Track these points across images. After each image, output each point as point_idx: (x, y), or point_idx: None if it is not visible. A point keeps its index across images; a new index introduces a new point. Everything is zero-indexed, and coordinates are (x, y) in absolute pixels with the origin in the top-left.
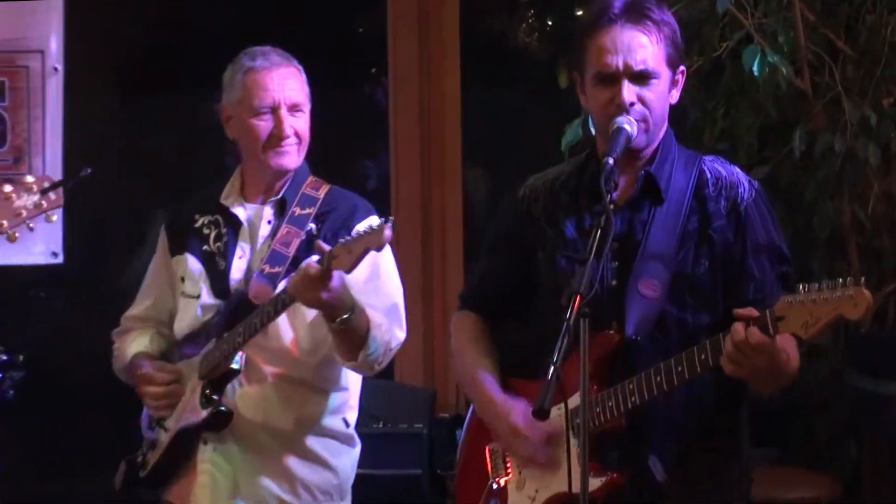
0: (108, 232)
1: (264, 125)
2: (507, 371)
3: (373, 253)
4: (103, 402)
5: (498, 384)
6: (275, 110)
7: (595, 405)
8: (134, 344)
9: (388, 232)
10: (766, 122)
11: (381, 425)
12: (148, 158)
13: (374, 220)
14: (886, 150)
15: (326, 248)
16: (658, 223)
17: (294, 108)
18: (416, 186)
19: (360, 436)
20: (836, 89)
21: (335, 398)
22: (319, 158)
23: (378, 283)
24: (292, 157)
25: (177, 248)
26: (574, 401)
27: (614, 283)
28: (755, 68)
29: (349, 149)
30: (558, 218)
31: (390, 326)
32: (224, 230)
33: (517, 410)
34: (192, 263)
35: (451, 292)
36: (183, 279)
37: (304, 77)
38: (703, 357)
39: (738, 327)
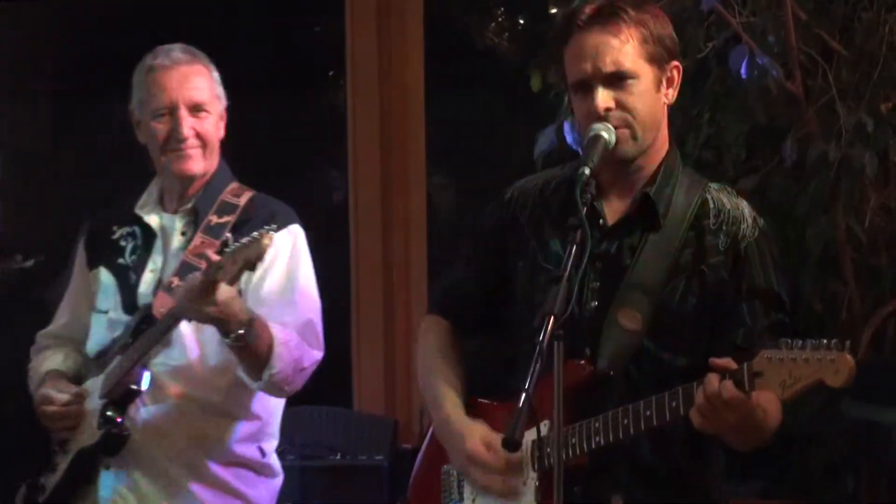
0: (38, 244)
1: (162, 127)
2: (473, 388)
3: (288, 264)
4: (21, 423)
5: (460, 402)
6: (173, 111)
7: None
8: (47, 362)
9: (266, 241)
10: (754, 129)
11: (338, 457)
12: (81, 166)
13: (283, 235)
14: (884, 158)
15: (215, 258)
16: (649, 250)
17: (196, 109)
18: (375, 196)
19: (315, 469)
20: (830, 93)
21: (248, 424)
22: (277, 169)
23: (292, 298)
24: (195, 161)
25: (94, 262)
26: (540, 431)
27: (594, 304)
28: (743, 71)
29: (311, 158)
30: (544, 227)
31: (302, 344)
32: (140, 242)
33: (475, 434)
34: (105, 277)
35: (414, 312)
36: (97, 294)
37: (212, 75)
38: (673, 405)
39: (712, 379)
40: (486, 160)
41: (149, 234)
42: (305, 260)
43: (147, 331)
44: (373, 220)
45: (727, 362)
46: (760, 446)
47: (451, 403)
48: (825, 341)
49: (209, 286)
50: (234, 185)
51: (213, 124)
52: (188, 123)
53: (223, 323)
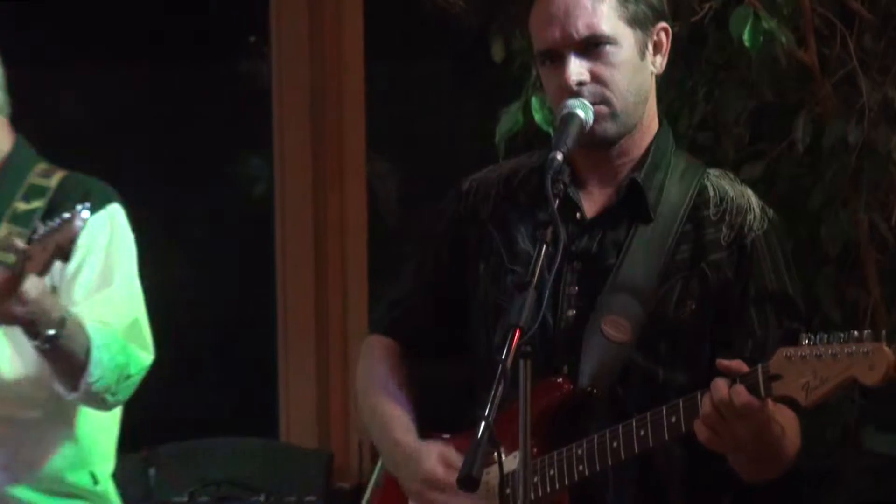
0: None
1: None
2: (427, 423)
3: (106, 253)
4: None
5: (412, 426)
6: None
7: (532, 473)
8: None
9: (78, 221)
10: (759, 107)
11: (261, 498)
12: None
13: (100, 218)
14: None
15: (21, 245)
16: (638, 246)
17: None
18: (306, 188)
19: None
20: (851, 64)
21: (76, 445)
22: (184, 156)
23: (112, 294)
24: None
25: None
26: (509, 464)
27: (572, 313)
28: (746, 37)
29: (226, 143)
30: (511, 223)
31: (127, 347)
32: None
33: (431, 453)
34: None
35: (351, 326)
36: None
37: None
38: (673, 420)
39: (720, 384)
40: (438, 145)
41: None
42: (126, 246)
43: None
44: (302, 218)
45: (738, 364)
46: (774, 476)
47: (400, 426)
48: (855, 333)
49: (16, 279)
50: (41, 166)
51: None
52: None
53: (29, 323)
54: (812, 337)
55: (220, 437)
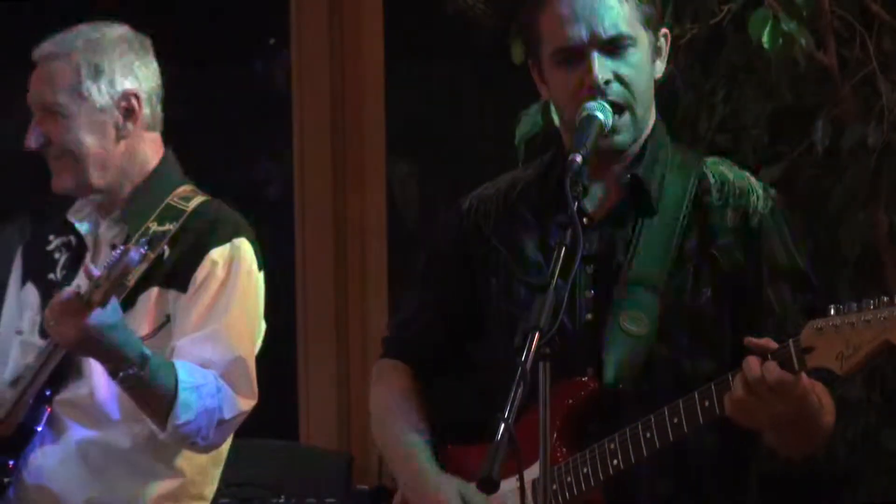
0: None
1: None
2: (444, 435)
3: (221, 287)
4: None
5: (430, 454)
6: (33, 115)
7: (565, 474)
8: None
9: (133, 254)
10: (779, 109)
11: (281, 499)
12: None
13: (223, 251)
14: None
15: (95, 272)
16: (646, 241)
17: (44, 110)
18: (326, 191)
19: None
20: (870, 66)
21: (166, 481)
22: (201, 158)
23: (217, 330)
24: (58, 176)
25: (26, 277)
26: (534, 471)
27: (589, 316)
28: (765, 39)
29: (245, 145)
30: (516, 235)
31: (222, 391)
32: (74, 254)
33: (451, 487)
34: (32, 295)
35: (371, 328)
36: (24, 313)
37: (79, 69)
38: (706, 404)
39: (752, 362)
40: (458, 146)
41: (82, 245)
42: (246, 283)
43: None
44: (322, 221)
45: (766, 341)
46: (812, 450)
47: (419, 456)
48: (885, 298)
49: (81, 307)
50: (185, 187)
51: (68, 127)
52: (40, 129)
53: (102, 356)
54: (841, 307)
55: (240, 439)
